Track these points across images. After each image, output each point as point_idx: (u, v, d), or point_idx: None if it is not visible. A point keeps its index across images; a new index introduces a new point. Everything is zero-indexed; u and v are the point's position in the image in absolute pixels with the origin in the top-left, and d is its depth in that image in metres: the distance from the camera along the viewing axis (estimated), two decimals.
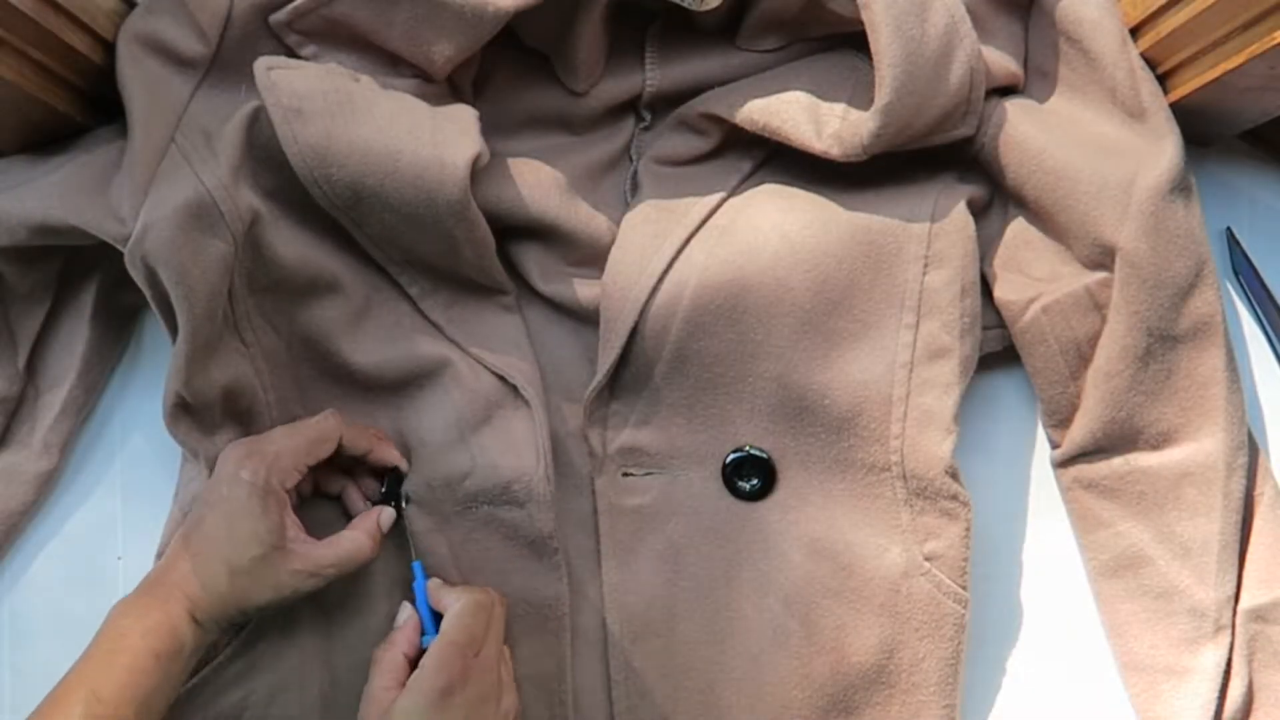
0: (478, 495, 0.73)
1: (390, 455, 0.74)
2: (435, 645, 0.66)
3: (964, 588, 0.72)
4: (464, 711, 0.64)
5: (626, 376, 0.74)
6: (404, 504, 0.74)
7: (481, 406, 0.73)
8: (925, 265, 0.72)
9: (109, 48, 0.71)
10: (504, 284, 0.74)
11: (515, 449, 0.72)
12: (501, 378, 0.73)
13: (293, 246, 0.71)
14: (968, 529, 0.73)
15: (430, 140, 0.68)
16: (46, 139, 0.73)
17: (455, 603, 0.68)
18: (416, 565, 0.72)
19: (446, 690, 0.63)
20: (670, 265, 0.72)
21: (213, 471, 0.70)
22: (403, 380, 0.74)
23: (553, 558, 0.72)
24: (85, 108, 0.73)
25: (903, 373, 0.72)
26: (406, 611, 0.71)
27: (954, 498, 0.72)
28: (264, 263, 0.71)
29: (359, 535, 0.70)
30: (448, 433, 0.73)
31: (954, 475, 0.72)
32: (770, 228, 0.72)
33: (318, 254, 0.72)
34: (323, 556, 0.69)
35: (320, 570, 0.68)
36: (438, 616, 0.70)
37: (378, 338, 0.74)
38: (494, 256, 0.73)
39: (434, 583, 0.72)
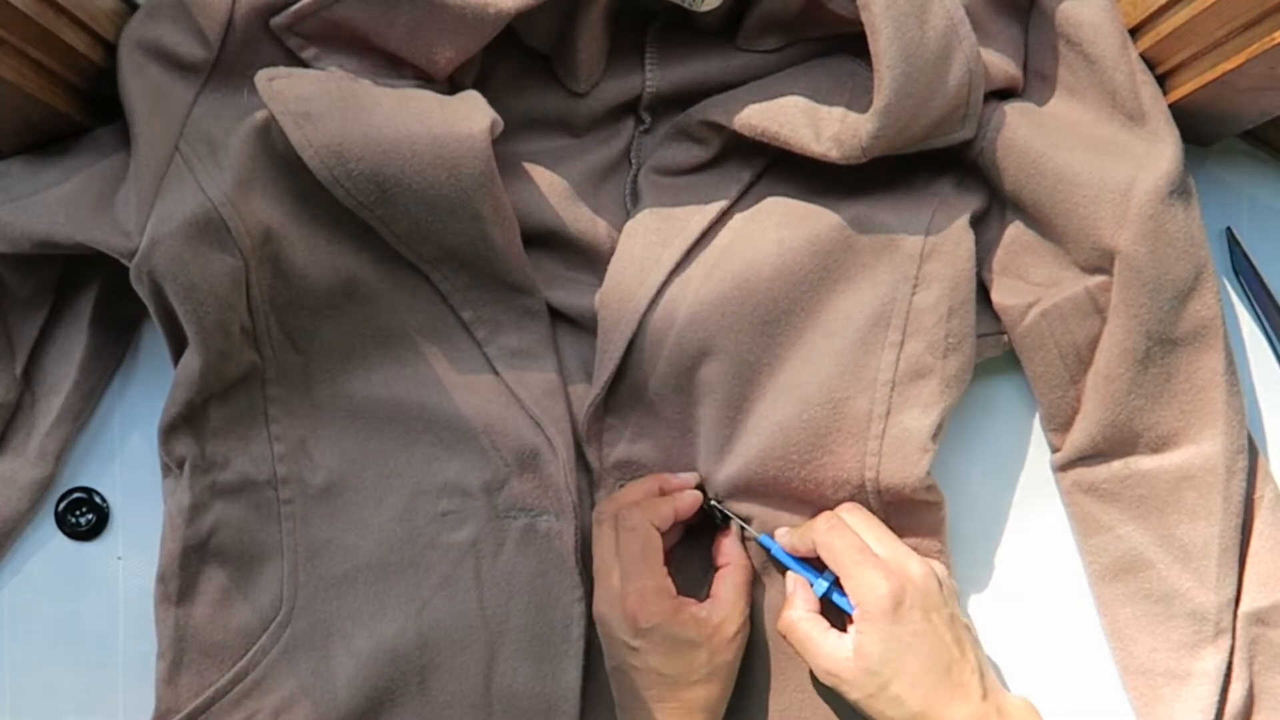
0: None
1: (688, 496, 0.73)
2: (855, 573, 0.68)
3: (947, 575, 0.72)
4: (918, 610, 0.67)
5: (622, 390, 0.73)
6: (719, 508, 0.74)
7: (515, 459, 0.74)
8: (915, 286, 0.72)
9: (109, 48, 0.71)
10: (531, 281, 0.73)
11: (545, 491, 0.73)
12: (536, 422, 0.73)
13: (312, 254, 0.71)
14: (942, 518, 0.73)
15: (441, 118, 0.68)
16: (46, 139, 0.73)
17: (821, 532, 0.70)
18: (764, 539, 0.73)
19: (894, 602, 0.66)
20: (669, 278, 0.72)
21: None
22: (430, 423, 0.74)
23: (573, 581, 0.73)
24: (85, 108, 0.73)
25: (884, 391, 0.72)
26: (791, 579, 0.72)
27: (928, 502, 0.73)
28: (284, 277, 0.71)
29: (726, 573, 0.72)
30: (473, 481, 0.74)
31: (930, 490, 0.72)
32: (771, 244, 0.71)
33: (339, 259, 0.72)
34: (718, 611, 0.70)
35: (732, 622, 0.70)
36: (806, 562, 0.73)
37: (406, 374, 0.74)
38: (520, 241, 0.72)
39: (781, 532, 0.73)
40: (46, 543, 0.78)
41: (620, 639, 0.68)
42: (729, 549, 0.72)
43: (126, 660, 0.77)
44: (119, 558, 0.78)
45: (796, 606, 0.71)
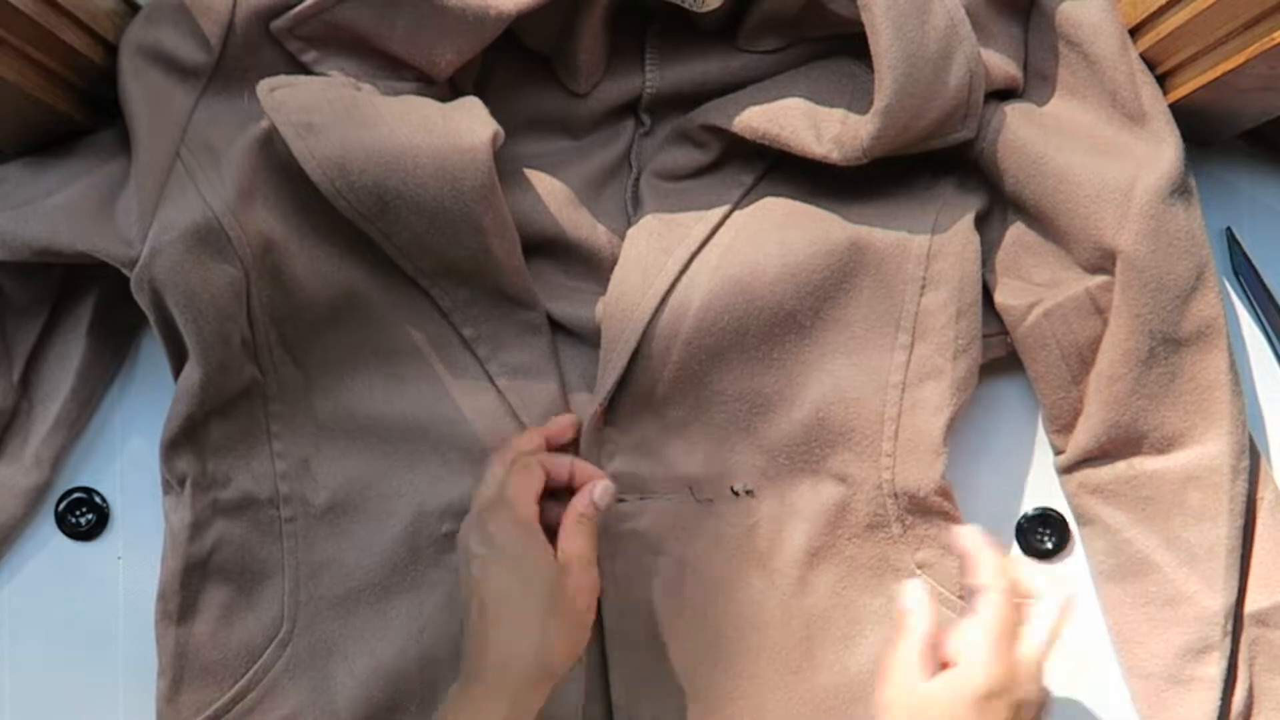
0: None
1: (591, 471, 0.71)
2: (981, 636, 0.60)
3: (959, 596, 0.72)
4: (1007, 714, 0.59)
5: (625, 400, 0.73)
6: None
7: None
8: (923, 286, 0.72)
9: (109, 48, 0.71)
10: (532, 294, 0.73)
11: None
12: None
13: (313, 266, 0.71)
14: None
15: (444, 130, 0.68)
16: (46, 139, 0.73)
17: (989, 579, 0.62)
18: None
19: (991, 692, 0.59)
20: (674, 285, 0.71)
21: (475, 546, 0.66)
22: (434, 443, 0.74)
23: None
24: (85, 108, 0.73)
25: (894, 393, 0.72)
26: (918, 591, 0.65)
27: (945, 514, 0.72)
28: (284, 288, 0.71)
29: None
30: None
31: (944, 494, 0.72)
32: (774, 245, 0.71)
33: (339, 272, 0.72)
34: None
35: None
36: None
37: (409, 392, 0.74)
38: (520, 254, 0.72)
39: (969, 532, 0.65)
40: (46, 543, 0.78)
41: None
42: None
43: (126, 660, 0.77)
44: (119, 558, 0.78)
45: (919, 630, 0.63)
